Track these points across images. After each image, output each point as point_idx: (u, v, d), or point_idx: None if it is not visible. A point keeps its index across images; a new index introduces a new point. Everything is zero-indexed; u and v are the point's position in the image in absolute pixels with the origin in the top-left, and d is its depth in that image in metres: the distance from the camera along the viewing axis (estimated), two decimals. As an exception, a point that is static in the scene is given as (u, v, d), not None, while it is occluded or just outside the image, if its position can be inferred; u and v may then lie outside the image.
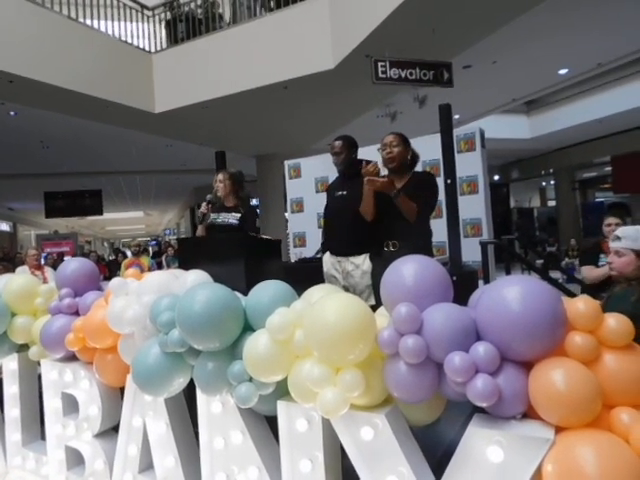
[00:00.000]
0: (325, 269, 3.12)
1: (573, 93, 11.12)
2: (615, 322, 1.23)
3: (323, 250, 3.27)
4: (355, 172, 2.90)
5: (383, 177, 2.70)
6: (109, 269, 10.91)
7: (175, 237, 26.16)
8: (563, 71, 7.98)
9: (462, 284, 3.14)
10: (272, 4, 7.16)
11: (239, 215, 3.26)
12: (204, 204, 3.27)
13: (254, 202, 16.05)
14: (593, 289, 2.96)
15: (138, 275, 2.34)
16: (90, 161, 11.42)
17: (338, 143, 3.09)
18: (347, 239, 2.94)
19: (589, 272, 3.12)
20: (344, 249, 2.98)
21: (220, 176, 3.37)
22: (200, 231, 3.34)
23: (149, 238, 32.48)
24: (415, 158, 2.86)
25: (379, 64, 5.05)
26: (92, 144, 9.75)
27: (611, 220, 3.21)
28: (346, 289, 2.93)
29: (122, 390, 2.12)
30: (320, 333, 1.37)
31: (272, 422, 1.69)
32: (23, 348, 2.57)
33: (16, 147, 9.56)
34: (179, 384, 1.79)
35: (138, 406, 2.01)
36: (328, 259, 3.11)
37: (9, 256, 11.85)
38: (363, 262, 2.92)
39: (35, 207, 15.89)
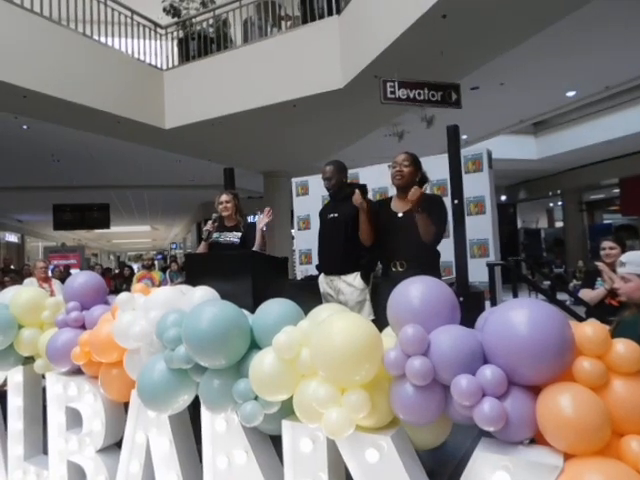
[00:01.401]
0: (321, 289, 3.23)
1: (581, 115, 11.15)
2: (624, 348, 1.22)
3: (318, 271, 3.36)
4: (345, 195, 3.07)
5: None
6: (114, 283, 10.93)
7: (182, 251, 26.24)
8: (571, 93, 8.02)
9: (469, 305, 3.13)
10: (283, 24, 7.31)
11: (240, 234, 3.36)
12: (210, 222, 3.38)
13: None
14: (599, 312, 2.97)
15: (146, 290, 2.35)
16: (99, 175, 11.54)
17: (329, 168, 3.23)
18: (339, 259, 3.07)
19: (585, 295, 3.20)
20: (336, 268, 3.10)
21: (225, 197, 3.46)
22: (202, 248, 3.43)
23: (155, 252, 32.62)
24: (424, 180, 2.88)
25: (388, 84, 5.11)
26: (102, 158, 9.86)
27: (605, 244, 3.25)
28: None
29: (126, 405, 2.12)
30: (326, 353, 1.37)
31: (277, 441, 1.68)
32: (28, 361, 2.57)
33: (27, 160, 9.68)
34: (184, 401, 1.78)
35: (142, 422, 2.00)
36: (322, 279, 3.23)
37: (12, 268, 11.90)
38: (354, 280, 3.03)
39: (43, 219, 16.04)
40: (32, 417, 2.59)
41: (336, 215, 3.16)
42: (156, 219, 21.28)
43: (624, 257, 2.12)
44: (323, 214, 3.31)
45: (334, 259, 3.11)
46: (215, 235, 3.41)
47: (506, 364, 1.25)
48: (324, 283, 3.20)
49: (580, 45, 5.90)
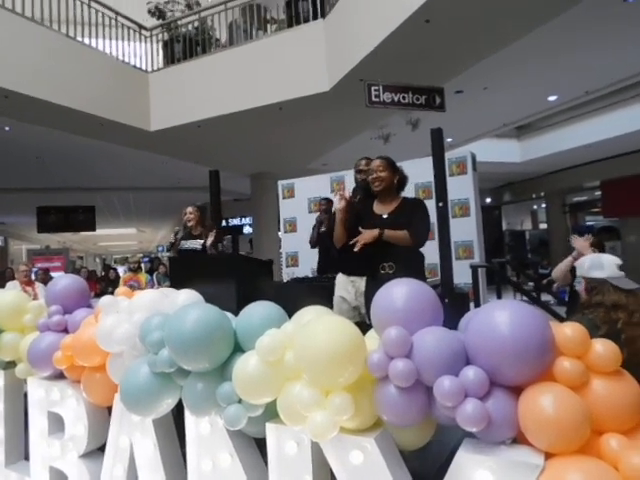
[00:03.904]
0: (335, 290, 3.10)
1: (563, 119, 11.32)
2: (603, 348, 1.24)
3: (319, 271, 3.30)
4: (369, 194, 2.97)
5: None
6: (99, 286, 10.79)
7: (168, 254, 25.98)
8: (552, 97, 8.15)
9: (453, 306, 3.16)
10: (269, 28, 7.31)
11: (202, 242, 3.83)
12: (173, 235, 4.13)
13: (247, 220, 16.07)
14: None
15: (129, 293, 2.33)
16: (85, 177, 11.41)
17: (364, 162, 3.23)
18: (365, 259, 2.91)
19: (555, 273, 3.25)
20: (360, 268, 2.97)
21: (189, 209, 4.14)
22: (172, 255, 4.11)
23: (142, 255, 32.30)
24: (403, 181, 2.89)
25: (372, 88, 5.13)
26: (87, 160, 9.75)
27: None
28: (356, 309, 2.94)
29: (110, 410, 2.09)
30: (310, 355, 1.37)
31: (261, 444, 1.67)
32: (10, 365, 2.53)
33: (10, 161, 9.53)
34: (167, 404, 1.77)
35: (125, 426, 1.98)
36: (341, 280, 3.10)
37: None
38: None
39: (27, 221, 15.77)
40: (13, 422, 2.55)
41: None
42: (142, 221, 21.10)
43: (577, 261, 2.22)
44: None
45: (358, 259, 2.93)
46: (182, 242, 3.99)
47: (488, 365, 1.27)
48: (341, 284, 3.08)
49: (561, 51, 5.99)
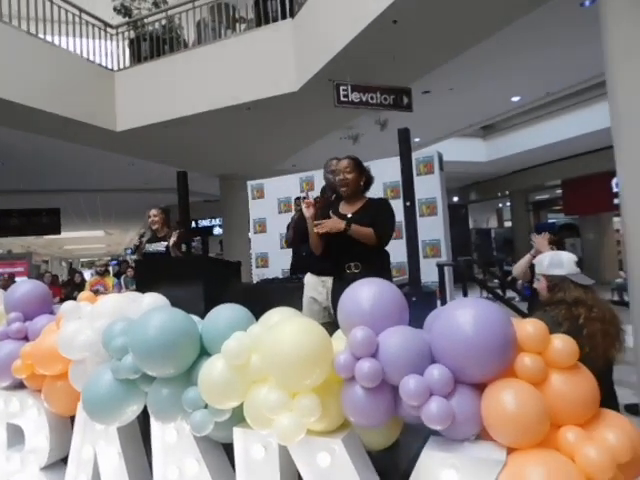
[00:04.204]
0: (305, 291, 3.06)
1: (525, 119, 11.64)
2: (561, 343, 1.27)
3: (292, 272, 3.25)
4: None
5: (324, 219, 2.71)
6: (64, 290, 10.49)
7: (135, 257, 25.49)
8: (515, 98, 8.35)
9: (421, 305, 3.20)
10: (238, 27, 7.25)
11: (166, 244, 3.82)
12: (138, 237, 3.98)
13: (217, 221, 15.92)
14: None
15: (92, 298, 2.27)
16: (48, 179, 11.06)
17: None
18: (330, 259, 2.87)
19: (515, 270, 3.35)
20: (330, 268, 2.93)
21: (153, 211, 4.09)
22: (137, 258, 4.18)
23: (110, 258, 31.58)
24: (369, 182, 2.90)
25: (341, 88, 5.15)
26: (51, 161, 9.46)
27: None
28: (326, 310, 2.93)
29: (73, 419, 2.04)
30: (276, 358, 1.36)
31: (229, 449, 1.65)
32: (-33, 376, 2.44)
33: (-33, 163, 9.18)
34: (132, 412, 1.73)
35: (89, 435, 1.93)
36: (310, 280, 3.06)
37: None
38: None
39: (-13, 225, 15.22)
40: (-29, 436, 2.45)
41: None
42: (110, 224, 20.62)
43: (536, 259, 2.28)
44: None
45: (328, 259, 2.90)
46: (147, 245, 3.99)
47: (452, 363, 1.29)
48: (310, 284, 3.04)
49: (523, 53, 6.14)
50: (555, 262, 2.15)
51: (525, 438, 1.18)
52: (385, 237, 2.75)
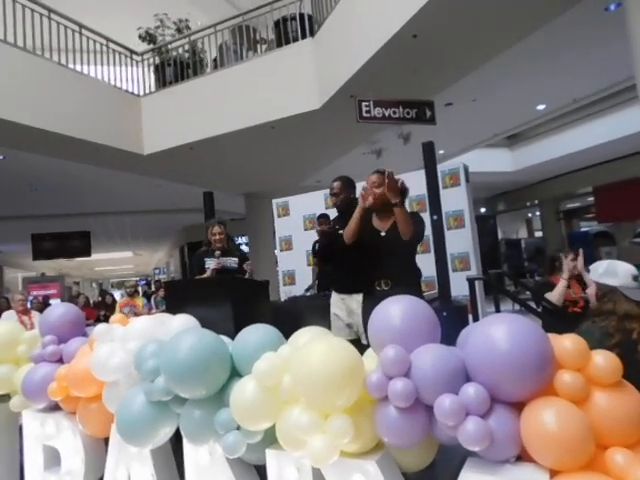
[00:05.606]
0: (331, 308, 3.09)
1: (553, 127, 11.44)
2: (603, 359, 1.22)
3: (318, 289, 3.25)
4: (353, 211, 2.83)
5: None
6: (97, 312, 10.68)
7: (165, 276, 25.89)
8: (541, 107, 8.24)
9: (452, 320, 3.14)
10: (259, 48, 7.39)
11: (236, 259, 3.57)
12: (216, 261, 3.50)
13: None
14: (562, 321, 3.07)
15: (124, 320, 2.30)
16: (79, 202, 11.40)
17: (336, 184, 3.13)
18: (351, 276, 2.91)
19: (552, 298, 3.28)
20: (348, 286, 2.97)
21: (217, 229, 3.69)
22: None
23: (138, 278, 32.16)
24: (404, 193, 2.86)
25: (363, 104, 5.17)
26: (81, 186, 9.75)
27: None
28: (349, 327, 2.91)
29: (107, 441, 2.05)
30: (307, 379, 1.34)
31: (262, 471, 1.64)
32: (4, 399, 2.49)
33: (4, 190, 9.53)
34: (165, 434, 1.73)
35: (123, 457, 1.94)
36: (334, 297, 3.10)
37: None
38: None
39: (22, 249, 15.70)
40: (8, 457, 2.50)
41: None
42: (138, 245, 21.04)
43: (592, 265, 2.20)
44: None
45: (346, 276, 2.98)
46: (208, 262, 3.55)
47: (488, 381, 1.25)
48: (333, 301, 3.08)
49: (547, 60, 6.07)
50: (610, 271, 2.06)
51: (568, 459, 1.13)
52: (418, 233, 2.69)
